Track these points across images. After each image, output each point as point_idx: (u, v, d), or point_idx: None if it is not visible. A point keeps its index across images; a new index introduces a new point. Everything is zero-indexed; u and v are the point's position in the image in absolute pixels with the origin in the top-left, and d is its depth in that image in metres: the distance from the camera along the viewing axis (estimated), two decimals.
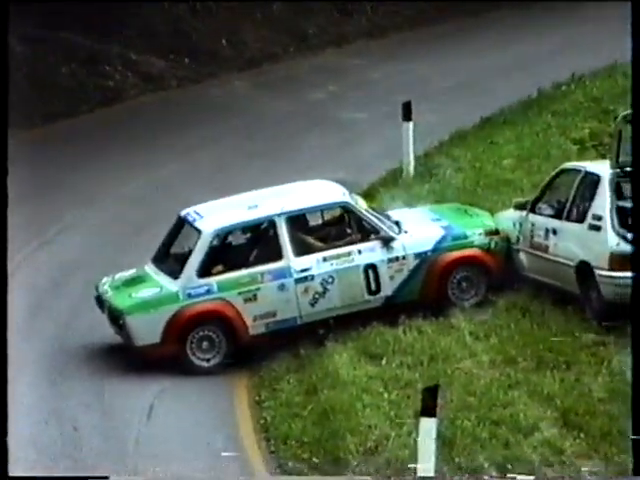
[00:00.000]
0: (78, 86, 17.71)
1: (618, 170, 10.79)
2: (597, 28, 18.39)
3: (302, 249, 11.16)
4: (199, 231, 11.16)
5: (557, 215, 11.12)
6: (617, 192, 10.83)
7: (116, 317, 11.12)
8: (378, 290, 11.13)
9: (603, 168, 10.89)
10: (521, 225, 11.40)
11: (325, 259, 11.11)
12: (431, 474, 8.24)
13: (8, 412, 8.26)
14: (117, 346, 11.21)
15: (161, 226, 11.93)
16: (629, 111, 11.26)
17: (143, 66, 18.36)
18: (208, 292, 10.98)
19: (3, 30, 8.46)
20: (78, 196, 14.75)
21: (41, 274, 12.90)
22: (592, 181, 10.92)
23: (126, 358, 11.00)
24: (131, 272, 11.53)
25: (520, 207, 11.48)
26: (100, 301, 11.40)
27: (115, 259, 12.47)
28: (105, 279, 11.52)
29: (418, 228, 11.40)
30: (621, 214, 10.65)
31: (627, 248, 10.35)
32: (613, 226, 10.46)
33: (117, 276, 11.52)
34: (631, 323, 8.21)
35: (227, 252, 11.33)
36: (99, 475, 8.91)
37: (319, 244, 11.27)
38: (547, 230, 11.12)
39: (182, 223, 11.48)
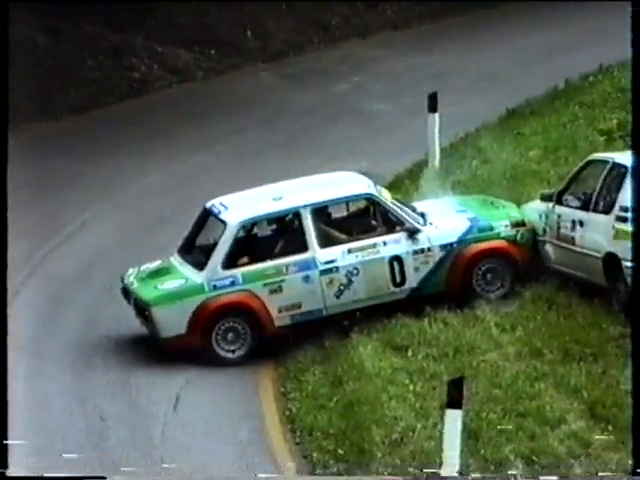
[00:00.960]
0: (104, 78, 17.75)
1: None
2: (623, 19, 18.26)
3: (327, 241, 11.14)
4: (224, 223, 11.17)
5: (584, 207, 11.05)
6: None
7: (142, 308, 11.14)
8: (403, 282, 11.11)
9: (631, 159, 10.81)
10: (547, 217, 11.33)
11: (350, 251, 11.10)
12: (456, 467, 8.22)
13: (8, 412, 8.30)
14: (143, 337, 11.25)
15: (184, 218, 11.96)
16: None
17: (168, 58, 18.39)
18: (233, 284, 10.99)
19: (3, 30, 8.46)
20: (102, 188, 14.79)
21: (66, 265, 12.95)
22: (619, 172, 10.84)
23: (152, 349, 11.03)
24: (157, 263, 11.56)
25: (546, 199, 11.41)
26: (126, 292, 11.42)
27: (137, 251, 12.50)
28: (131, 270, 11.55)
29: (444, 220, 11.36)
30: None
31: None
32: None
33: (143, 267, 11.55)
34: (631, 324, 8.13)
35: (252, 244, 11.32)
36: (97, 475, 8.94)
37: (344, 236, 11.25)
38: (574, 222, 11.05)
39: (207, 215, 11.49)
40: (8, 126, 8.94)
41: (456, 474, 8.22)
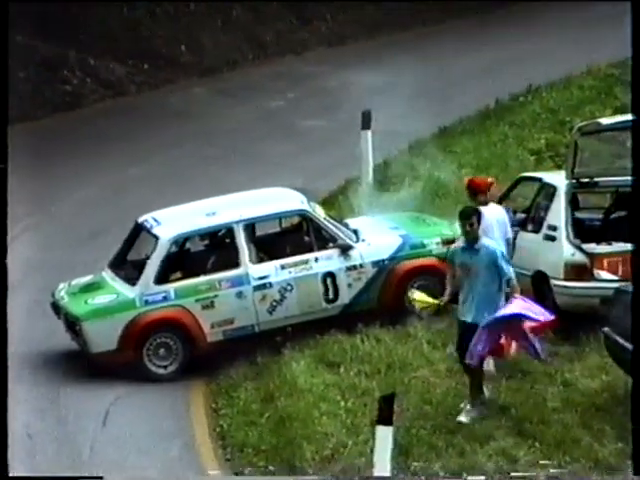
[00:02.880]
0: (35, 91, 17.59)
1: (574, 181, 10.90)
2: (556, 37, 18.59)
3: (260, 257, 11.16)
4: (157, 237, 11.13)
5: (514, 225, 11.21)
6: (573, 203, 10.95)
7: (72, 323, 11.05)
8: (336, 298, 11.15)
9: (559, 179, 11.00)
10: None
11: (283, 267, 11.12)
12: None
13: (8, 412, 8.20)
14: (73, 352, 11.14)
15: (117, 232, 11.88)
16: (584, 123, 11.40)
17: (102, 71, 18.28)
18: (165, 299, 10.95)
19: (3, 30, 8.41)
20: (33, 201, 14.64)
21: None
22: (548, 192, 11.02)
23: (82, 364, 10.93)
24: (88, 278, 11.47)
25: None
26: (56, 307, 11.32)
27: (69, 263, 12.39)
28: (61, 285, 11.45)
29: (376, 237, 11.45)
30: (576, 225, 10.76)
31: (582, 258, 10.46)
32: (568, 236, 10.56)
33: (74, 282, 11.45)
34: (632, 323, 8.28)
35: (185, 259, 11.30)
36: (95, 475, 8.86)
37: (277, 252, 11.27)
38: None
39: (140, 229, 11.44)
40: (8, 126, 8.82)
41: None
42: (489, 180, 10.40)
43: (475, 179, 10.48)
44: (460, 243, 9.53)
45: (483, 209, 9.74)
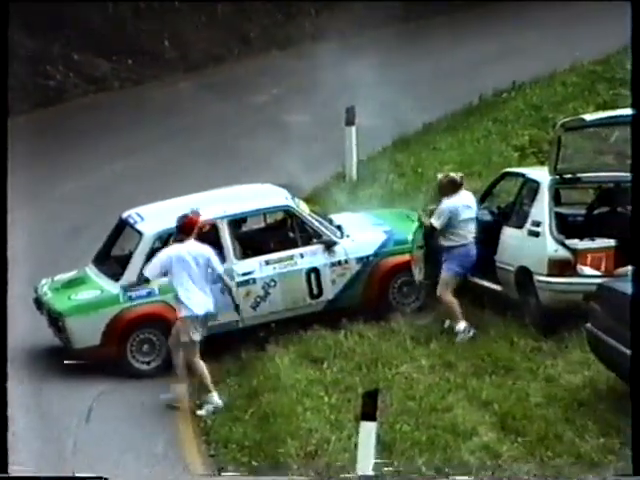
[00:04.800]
0: (18, 86, 17.51)
1: (557, 177, 10.92)
2: (540, 34, 18.63)
3: (244, 252, 11.15)
4: (140, 233, 11.10)
5: (498, 220, 11.23)
6: (555, 198, 10.97)
7: (55, 319, 11.02)
8: (320, 294, 11.16)
9: (543, 175, 11.03)
10: None
11: (267, 262, 11.11)
12: (370, 479, 8.27)
13: (8, 412, 8.18)
14: (56, 348, 11.11)
15: (100, 227, 11.84)
16: (567, 119, 11.43)
17: (85, 67, 18.22)
18: (149, 294, 10.93)
19: (3, 30, 8.39)
20: (15, 196, 14.57)
21: None
22: (532, 187, 11.05)
23: (65, 360, 10.90)
24: (71, 274, 11.44)
25: None
26: (39, 303, 11.29)
27: (51, 260, 12.35)
28: (44, 281, 11.42)
29: (360, 232, 11.45)
30: (560, 220, 10.79)
31: (565, 254, 10.49)
32: (552, 232, 10.58)
33: (57, 278, 11.42)
34: (631, 322, 8.31)
35: None
36: (96, 475, 8.85)
37: (261, 247, 11.27)
38: None
39: (123, 225, 11.41)
40: (8, 127, 8.78)
41: None
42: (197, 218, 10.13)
43: (191, 219, 10.16)
44: None
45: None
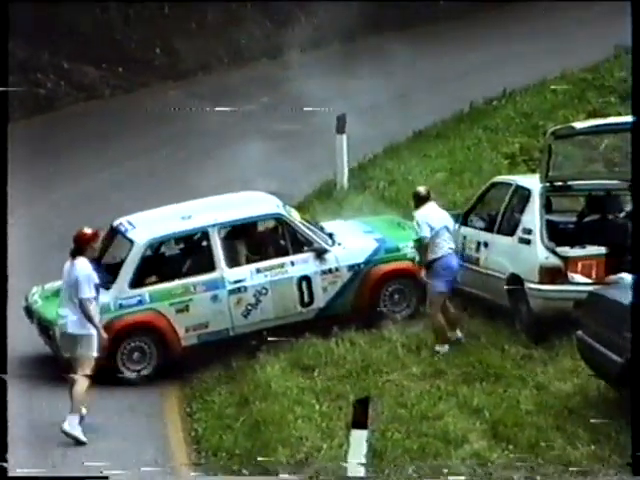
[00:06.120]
0: (9, 94, 17.47)
1: (547, 184, 10.95)
2: (530, 42, 18.69)
3: (235, 260, 11.15)
4: (132, 241, 11.10)
5: (488, 228, 11.26)
6: (546, 206, 11.00)
7: (46, 327, 11.00)
8: (311, 302, 11.16)
9: (533, 182, 11.05)
10: None
11: (259, 270, 11.12)
12: None
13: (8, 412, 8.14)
14: (46, 357, 11.08)
15: None
16: (557, 127, 11.47)
17: (75, 75, 18.21)
18: (140, 303, 10.92)
19: (3, 30, 8.39)
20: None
21: None
22: (522, 195, 11.07)
23: (55, 369, 10.87)
24: (62, 282, 11.40)
25: (452, 220, 11.59)
26: (29, 311, 11.26)
27: (41, 269, 12.33)
28: (35, 289, 11.39)
29: (351, 240, 11.46)
30: (550, 228, 10.81)
31: (556, 261, 10.51)
32: (542, 239, 10.61)
33: (47, 286, 11.40)
34: (632, 323, 8.32)
35: (160, 263, 11.27)
36: (98, 475, 8.82)
37: (253, 255, 11.27)
38: (478, 243, 11.25)
39: (115, 233, 11.40)
40: (8, 126, 8.75)
41: None
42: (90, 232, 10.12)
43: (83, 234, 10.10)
44: None
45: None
